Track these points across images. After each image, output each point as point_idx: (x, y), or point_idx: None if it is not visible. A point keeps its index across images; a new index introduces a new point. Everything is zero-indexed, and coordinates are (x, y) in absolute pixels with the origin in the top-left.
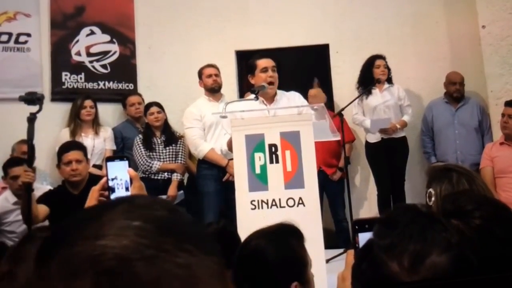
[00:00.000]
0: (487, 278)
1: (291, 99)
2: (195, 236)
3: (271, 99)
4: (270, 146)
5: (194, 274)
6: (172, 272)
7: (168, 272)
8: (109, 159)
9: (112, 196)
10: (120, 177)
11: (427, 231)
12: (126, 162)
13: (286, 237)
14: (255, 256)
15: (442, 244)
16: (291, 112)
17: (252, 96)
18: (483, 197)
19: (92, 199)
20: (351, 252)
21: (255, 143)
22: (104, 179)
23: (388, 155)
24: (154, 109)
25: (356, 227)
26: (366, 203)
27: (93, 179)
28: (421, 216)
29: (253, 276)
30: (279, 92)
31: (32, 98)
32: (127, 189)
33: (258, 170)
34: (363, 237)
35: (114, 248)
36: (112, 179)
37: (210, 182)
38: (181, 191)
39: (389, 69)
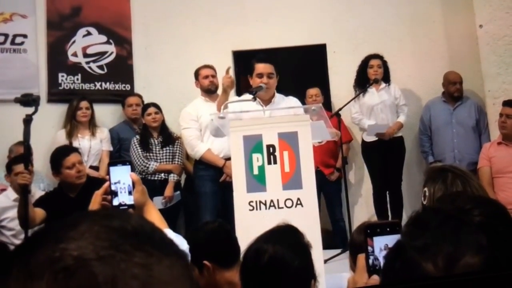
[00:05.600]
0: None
1: (288, 103)
2: (155, 238)
3: (268, 100)
4: (268, 147)
5: (153, 274)
6: (129, 272)
7: (125, 271)
8: (112, 163)
9: (115, 200)
10: (123, 181)
11: (459, 232)
12: (129, 167)
13: (297, 238)
14: (277, 265)
15: (474, 245)
16: (287, 113)
17: (250, 96)
18: (480, 197)
19: (95, 203)
20: (362, 256)
21: (253, 144)
22: (106, 184)
23: (384, 154)
24: (151, 110)
25: (368, 231)
26: (362, 202)
27: (90, 181)
28: (450, 219)
29: (276, 284)
30: (278, 95)
31: (28, 100)
32: (129, 193)
33: (256, 171)
34: (376, 241)
35: (72, 250)
36: (115, 183)
37: (207, 183)
38: (178, 192)
39: (386, 69)
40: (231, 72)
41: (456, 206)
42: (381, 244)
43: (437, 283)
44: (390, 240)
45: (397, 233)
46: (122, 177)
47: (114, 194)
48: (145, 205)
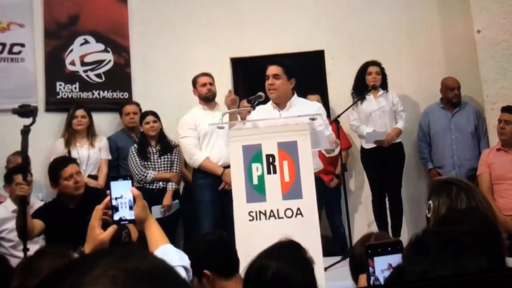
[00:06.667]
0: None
1: (308, 108)
2: (170, 280)
3: (283, 104)
4: (268, 156)
5: None
6: None
7: None
8: (113, 178)
9: (116, 215)
10: (124, 196)
11: (459, 258)
12: (130, 181)
13: (300, 254)
14: (280, 281)
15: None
16: (303, 120)
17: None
18: (472, 213)
19: (95, 218)
20: (364, 276)
21: (252, 154)
22: (107, 198)
23: (383, 161)
24: (149, 118)
25: (369, 251)
26: (362, 209)
27: (89, 192)
28: (451, 243)
29: None
30: (295, 98)
31: (26, 111)
32: (130, 208)
33: (255, 181)
34: (376, 261)
35: None
36: (116, 198)
37: (206, 191)
38: (176, 201)
39: (384, 75)
40: (230, 79)
41: (444, 220)
42: (383, 263)
43: (438, 283)
44: (393, 259)
45: (399, 253)
46: (123, 192)
47: (115, 209)
48: (146, 220)
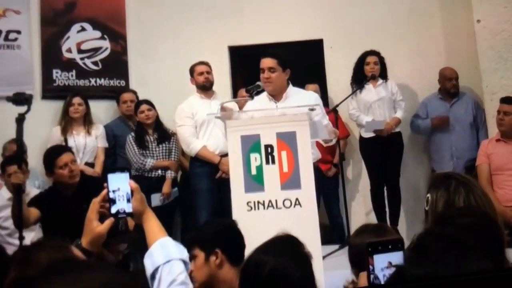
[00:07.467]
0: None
1: (304, 98)
2: None
3: (279, 96)
4: (266, 146)
5: None
6: None
7: None
8: (110, 170)
9: (113, 208)
10: (121, 188)
11: (461, 260)
12: (127, 174)
13: (298, 249)
14: (278, 277)
15: None
16: (301, 111)
17: (247, 95)
18: (470, 208)
19: (92, 211)
20: (364, 274)
21: (251, 144)
22: (104, 191)
23: (382, 150)
24: (144, 107)
25: (369, 249)
26: (360, 198)
27: (85, 180)
28: (454, 244)
29: None
30: (291, 89)
31: (20, 99)
32: (128, 200)
33: (254, 171)
34: (376, 259)
35: None
36: (113, 191)
37: (203, 180)
38: (175, 189)
39: (383, 65)
40: (228, 68)
41: (443, 216)
42: (383, 261)
43: (439, 283)
44: (394, 257)
45: (400, 250)
46: (120, 184)
47: (112, 201)
48: (144, 213)
